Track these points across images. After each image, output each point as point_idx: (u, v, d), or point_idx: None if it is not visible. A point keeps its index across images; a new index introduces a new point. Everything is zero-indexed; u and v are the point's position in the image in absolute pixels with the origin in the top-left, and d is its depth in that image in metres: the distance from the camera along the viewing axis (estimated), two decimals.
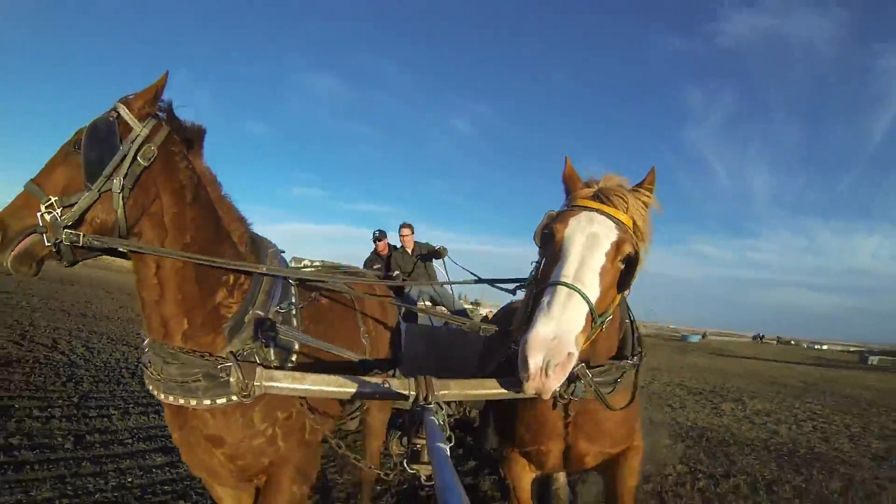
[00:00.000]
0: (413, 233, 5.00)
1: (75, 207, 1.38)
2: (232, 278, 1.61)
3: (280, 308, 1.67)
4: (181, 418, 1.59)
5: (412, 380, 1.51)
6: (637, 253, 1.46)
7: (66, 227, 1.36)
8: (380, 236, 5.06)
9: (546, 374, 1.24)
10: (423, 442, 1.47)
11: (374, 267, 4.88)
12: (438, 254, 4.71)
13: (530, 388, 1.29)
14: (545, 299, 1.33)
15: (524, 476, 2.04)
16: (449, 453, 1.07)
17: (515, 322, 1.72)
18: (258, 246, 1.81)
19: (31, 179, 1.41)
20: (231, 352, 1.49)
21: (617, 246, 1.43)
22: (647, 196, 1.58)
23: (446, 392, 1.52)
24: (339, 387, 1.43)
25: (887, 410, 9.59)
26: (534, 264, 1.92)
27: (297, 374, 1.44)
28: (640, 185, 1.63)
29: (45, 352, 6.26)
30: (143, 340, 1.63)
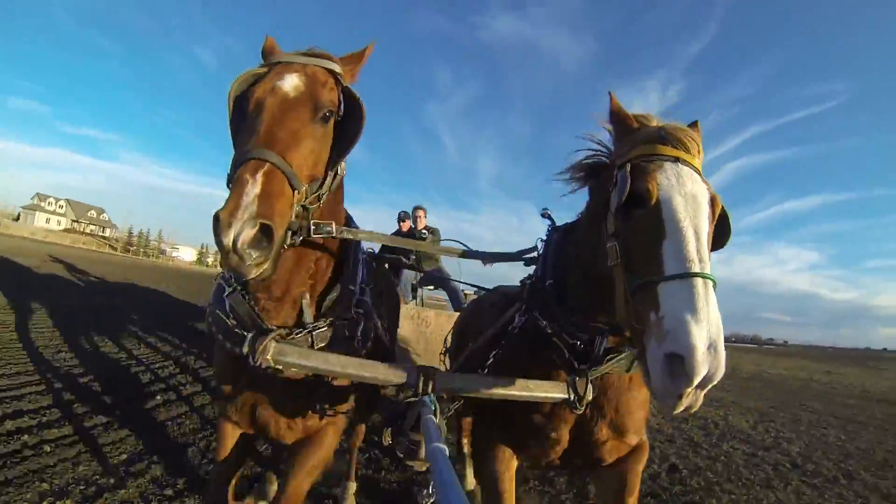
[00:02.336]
0: (426, 215, 5.46)
1: (322, 191, 1.31)
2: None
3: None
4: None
5: (416, 368, 1.44)
6: (724, 207, 1.24)
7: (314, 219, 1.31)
8: (405, 217, 5.50)
9: (699, 390, 1.00)
10: (420, 438, 1.35)
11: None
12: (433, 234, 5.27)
13: (682, 406, 1.02)
14: (678, 295, 1.02)
15: (509, 470, 1.69)
16: (447, 452, 1.01)
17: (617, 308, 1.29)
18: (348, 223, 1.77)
19: (272, 149, 1.14)
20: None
21: (712, 204, 1.19)
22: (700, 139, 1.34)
23: (450, 386, 1.42)
24: (340, 367, 1.41)
25: None
26: (549, 228, 1.82)
27: (304, 351, 1.41)
28: (690, 125, 1.40)
29: None
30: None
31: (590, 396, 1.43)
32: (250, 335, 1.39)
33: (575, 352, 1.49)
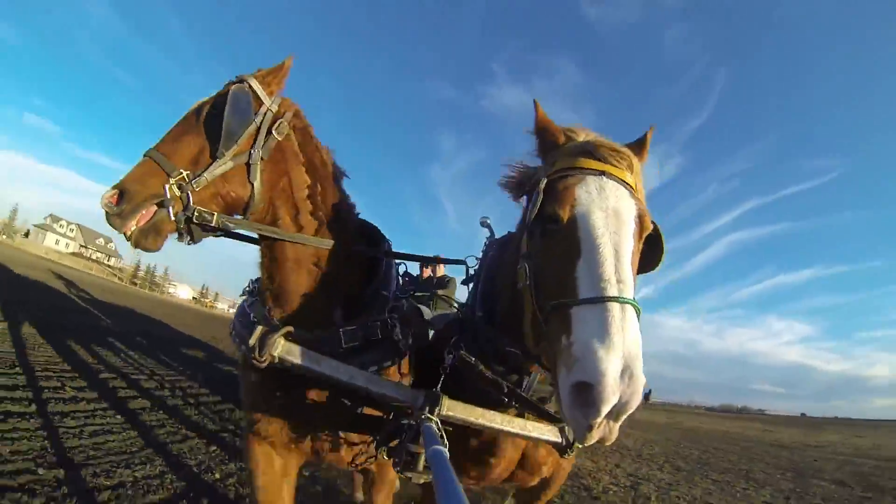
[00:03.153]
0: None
1: (206, 177, 1.32)
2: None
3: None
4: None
5: (420, 391, 1.43)
6: (656, 226, 1.17)
7: (197, 203, 1.31)
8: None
9: (614, 420, 0.93)
10: (418, 449, 1.36)
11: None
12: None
13: (593, 438, 0.95)
14: (589, 320, 0.94)
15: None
16: (447, 456, 1.00)
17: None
18: (370, 232, 1.78)
19: (153, 148, 1.33)
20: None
21: (640, 221, 1.11)
22: (641, 156, 1.29)
23: (452, 414, 1.38)
24: (349, 377, 1.40)
25: None
26: (486, 242, 1.73)
27: (314, 355, 1.41)
28: (630, 144, 1.33)
29: None
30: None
31: (580, 445, 1.39)
32: (259, 328, 1.41)
33: (509, 391, 1.42)
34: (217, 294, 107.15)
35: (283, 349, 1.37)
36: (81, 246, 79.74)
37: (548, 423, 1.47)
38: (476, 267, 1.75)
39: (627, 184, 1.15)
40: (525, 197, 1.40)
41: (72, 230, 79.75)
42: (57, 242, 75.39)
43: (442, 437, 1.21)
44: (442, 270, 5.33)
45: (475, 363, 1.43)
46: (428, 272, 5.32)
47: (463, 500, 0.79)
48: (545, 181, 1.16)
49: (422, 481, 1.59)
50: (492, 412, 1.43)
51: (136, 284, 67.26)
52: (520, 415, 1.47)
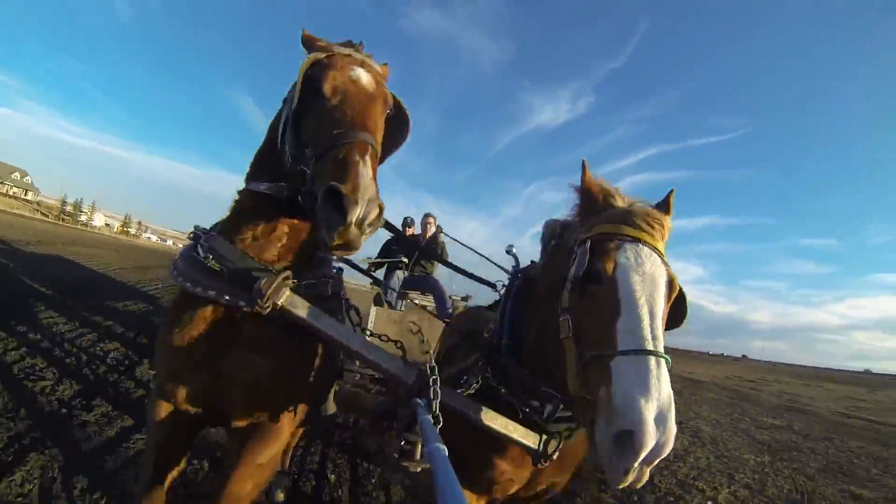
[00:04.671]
0: (436, 223, 5.06)
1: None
2: None
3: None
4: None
5: (414, 368, 1.45)
6: (681, 289, 1.28)
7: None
8: (410, 223, 5.21)
9: (646, 465, 1.02)
10: (415, 438, 1.34)
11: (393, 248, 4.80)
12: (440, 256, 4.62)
13: (627, 482, 1.04)
14: (629, 371, 1.05)
15: None
16: (446, 454, 1.00)
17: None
18: None
19: (372, 134, 1.30)
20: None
21: (670, 286, 1.23)
22: (668, 217, 1.37)
23: (446, 400, 1.37)
24: (347, 339, 1.41)
25: None
26: (512, 269, 1.80)
27: (315, 311, 1.40)
28: (657, 206, 1.42)
29: None
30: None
31: (555, 456, 1.47)
32: (263, 277, 1.34)
33: (527, 413, 1.47)
34: (140, 223, 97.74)
35: (287, 299, 1.35)
36: None
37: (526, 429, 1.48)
38: (503, 292, 1.82)
39: (659, 251, 1.27)
40: (544, 248, 1.64)
41: None
42: None
43: (439, 420, 1.25)
44: (432, 228, 5.02)
45: (504, 393, 1.51)
46: (412, 231, 5.11)
47: (463, 500, 0.79)
48: (590, 243, 1.27)
49: (418, 470, 1.45)
50: (479, 404, 1.45)
51: (62, 220, 67.58)
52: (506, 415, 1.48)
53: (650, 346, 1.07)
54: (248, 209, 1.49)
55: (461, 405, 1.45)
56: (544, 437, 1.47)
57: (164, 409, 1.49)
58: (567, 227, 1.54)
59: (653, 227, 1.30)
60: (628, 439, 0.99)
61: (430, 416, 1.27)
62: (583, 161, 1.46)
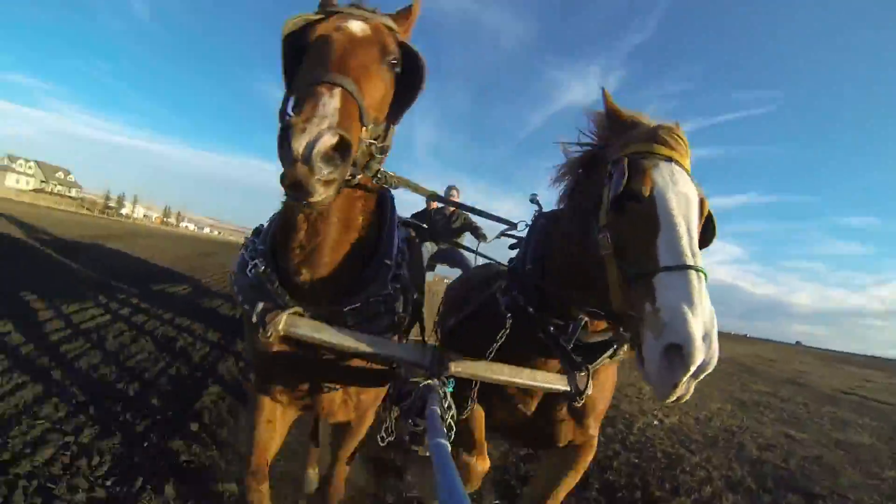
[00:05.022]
0: (459, 195, 4.94)
1: (387, 143, 1.27)
2: None
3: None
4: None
5: (428, 349, 1.47)
6: (710, 209, 1.29)
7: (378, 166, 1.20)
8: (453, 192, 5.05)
9: (694, 378, 1.05)
10: (424, 425, 1.34)
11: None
12: (476, 231, 4.67)
13: (675, 396, 1.07)
14: (674, 286, 1.07)
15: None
16: (450, 449, 1.00)
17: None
18: None
19: (346, 76, 1.09)
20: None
21: (701, 205, 1.25)
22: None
23: (461, 370, 1.41)
24: (352, 342, 1.40)
25: None
26: (535, 213, 1.83)
27: (316, 324, 1.41)
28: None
29: None
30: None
31: (589, 391, 1.48)
32: (260, 305, 1.36)
33: (551, 333, 1.51)
34: (179, 213, 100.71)
35: (287, 322, 1.36)
36: (42, 182, 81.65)
37: (555, 373, 1.53)
38: (527, 231, 1.87)
39: (688, 170, 1.29)
40: (581, 174, 1.58)
41: (30, 168, 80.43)
42: (17, 182, 76.60)
43: (450, 407, 1.29)
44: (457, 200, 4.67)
45: (524, 304, 1.55)
46: (436, 204, 4.76)
47: (463, 497, 0.80)
48: (627, 160, 1.27)
49: (427, 454, 1.37)
50: (499, 364, 1.50)
51: (105, 214, 70.88)
52: (528, 366, 1.53)
53: (691, 262, 1.10)
54: (290, 206, 1.36)
55: (481, 370, 1.49)
56: (568, 374, 1.52)
57: (264, 402, 1.66)
58: (593, 156, 1.54)
59: (681, 147, 1.32)
60: (677, 354, 1.02)
61: (437, 408, 1.29)
62: (603, 89, 1.51)
